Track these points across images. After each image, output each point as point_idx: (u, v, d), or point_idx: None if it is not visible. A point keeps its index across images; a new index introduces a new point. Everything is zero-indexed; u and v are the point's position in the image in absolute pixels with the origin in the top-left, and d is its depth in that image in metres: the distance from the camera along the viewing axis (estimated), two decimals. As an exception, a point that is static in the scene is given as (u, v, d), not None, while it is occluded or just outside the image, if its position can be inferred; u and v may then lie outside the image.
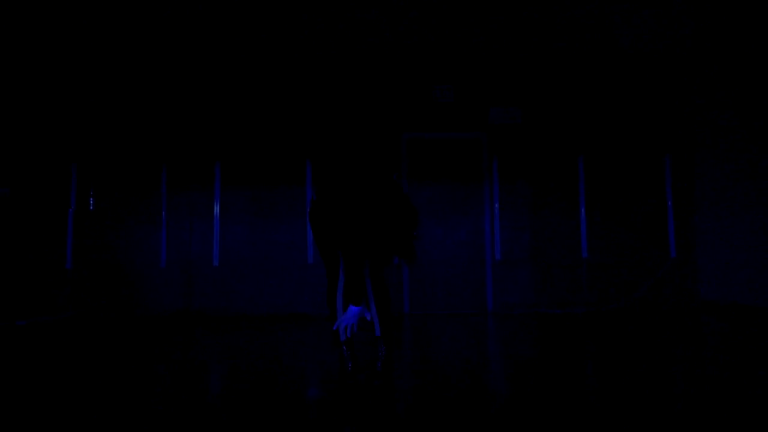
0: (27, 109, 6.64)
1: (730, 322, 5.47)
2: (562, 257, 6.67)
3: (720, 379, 2.98)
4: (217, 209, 6.53)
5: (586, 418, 2.29)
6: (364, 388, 2.88)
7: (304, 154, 6.54)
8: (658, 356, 3.81)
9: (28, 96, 6.66)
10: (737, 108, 6.67)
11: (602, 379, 3.16)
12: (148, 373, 3.40)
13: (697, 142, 6.82)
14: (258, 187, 6.71)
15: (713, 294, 6.57)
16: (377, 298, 3.18)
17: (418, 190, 6.77)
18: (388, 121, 6.76)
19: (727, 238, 6.56)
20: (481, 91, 6.85)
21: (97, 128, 6.70)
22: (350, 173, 3.20)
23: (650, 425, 2.17)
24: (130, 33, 6.06)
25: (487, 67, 6.86)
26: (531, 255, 6.70)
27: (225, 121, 6.76)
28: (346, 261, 2.92)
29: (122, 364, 3.73)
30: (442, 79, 6.85)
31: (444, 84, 6.83)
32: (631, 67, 6.88)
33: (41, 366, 3.68)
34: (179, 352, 4.35)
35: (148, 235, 6.62)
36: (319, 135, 6.68)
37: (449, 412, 2.42)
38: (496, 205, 6.65)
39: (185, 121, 6.75)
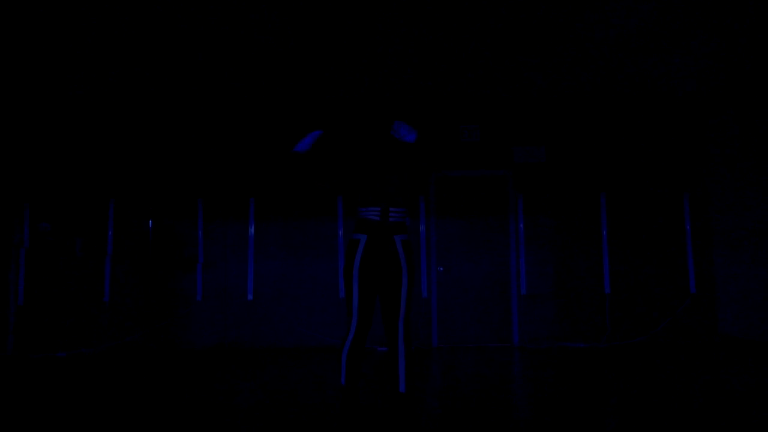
0: (62, 147, 6.84)
1: (749, 358, 5.68)
2: (585, 292, 6.88)
3: (742, 416, 3.18)
4: (251, 244, 6.73)
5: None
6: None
7: (336, 191, 6.76)
8: (680, 391, 4.00)
9: (64, 132, 6.86)
10: (752, 148, 6.93)
11: (626, 412, 3.35)
12: (183, 407, 3.57)
13: (714, 180, 7.06)
14: (290, 222, 6.91)
15: (732, 329, 6.79)
16: (407, 352, 3.22)
17: (445, 226, 6.98)
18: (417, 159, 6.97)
19: (745, 275, 6.79)
20: (507, 131, 7.10)
21: (136, 165, 6.90)
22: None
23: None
24: (166, 73, 6.28)
25: (512, 108, 7.11)
26: (555, 289, 6.90)
27: (259, 157, 6.98)
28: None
29: (158, 397, 3.90)
30: (469, 119, 7.09)
31: (471, 124, 7.08)
32: (651, 107, 7.14)
33: (78, 398, 3.85)
34: (217, 384, 4.53)
35: (186, 270, 6.80)
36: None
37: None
38: (522, 241, 6.87)
39: (220, 157, 6.96)
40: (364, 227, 3.32)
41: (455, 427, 3.28)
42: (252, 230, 6.77)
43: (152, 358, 6.18)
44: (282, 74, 6.25)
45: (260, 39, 5.33)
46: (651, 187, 7.04)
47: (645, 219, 7.00)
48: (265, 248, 6.86)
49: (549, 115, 7.13)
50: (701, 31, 5.29)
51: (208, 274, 6.77)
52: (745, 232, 6.86)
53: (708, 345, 6.69)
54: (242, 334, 6.75)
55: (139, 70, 5.97)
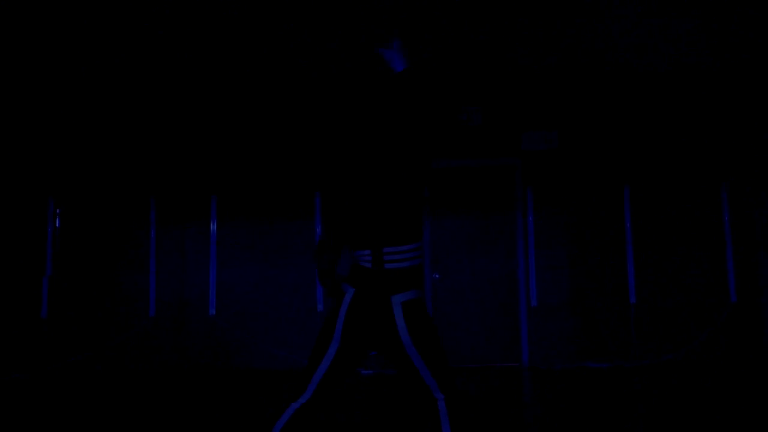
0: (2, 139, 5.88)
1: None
2: (607, 302, 5.86)
3: None
4: (213, 249, 5.74)
5: None
6: None
7: (314, 187, 5.75)
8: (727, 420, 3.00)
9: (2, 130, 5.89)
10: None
11: None
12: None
13: (760, 168, 6.01)
14: (261, 222, 5.92)
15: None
16: (450, 407, 2.28)
17: (441, 225, 5.97)
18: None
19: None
20: (514, 113, 6.07)
21: (76, 158, 5.92)
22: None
23: None
24: (118, 58, 5.30)
25: (520, 86, 6.08)
26: (571, 299, 5.89)
27: (222, 149, 5.98)
28: None
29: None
30: (469, 100, 6.06)
31: (471, 105, 6.05)
32: (682, 83, 6.09)
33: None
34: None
35: (135, 278, 5.82)
36: (333, 165, 5.88)
37: None
38: (531, 242, 5.86)
39: (175, 149, 5.96)
40: (354, 277, 2.22)
41: None
42: (214, 233, 5.77)
43: (97, 382, 5.23)
44: (247, 47, 5.29)
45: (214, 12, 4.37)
46: (683, 178, 6.00)
47: (676, 215, 5.96)
48: (231, 254, 5.87)
49: (563, 94, 6.10)
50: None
51: (162, 285, 5.77)
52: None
53: (754, 362, 5.67)
54: (203, 354, 5.77)
55: (88, 60, 5.03)
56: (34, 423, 3.91)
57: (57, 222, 5.76)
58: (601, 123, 6.09)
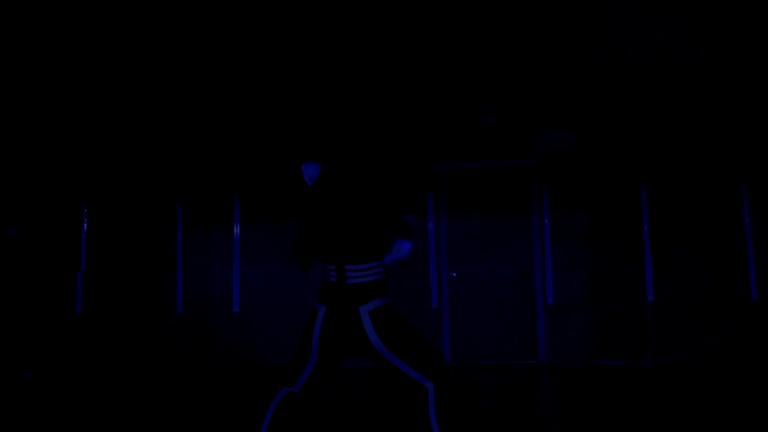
0: (37, 147, 6.22)
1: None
2: (625, 300, 5.85)
3: None
4: (236, 249, 5.97)
5: None
6: None
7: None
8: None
9: (39, 134, 6.24)
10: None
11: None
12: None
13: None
14: (282, 223, 6.11)
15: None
16: (437, 390, 2.40)
17: (458, 225, 6.07)
18: (421, 149, 6.09)
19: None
20: (528, 113, 6.14)
21: (107, 162, 6.23)
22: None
23: None
24: (137, 64, 5.59)
25: (534, 87, 6.14)
26: (588, 297, 5.90)
27: (244, 152, 6.21)
28: None
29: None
30: (483, 101, 6.16)
31: (485, 106, 6.15)
32: (699, 81, 6.07)
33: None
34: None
35: (163, 277, 6.08)
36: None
37: None
38: (547, 241, 5.91)
39: (200, 155, 6.22)
40: (323, 293, 2.40)
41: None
42: (237, 233, 6.00)
43: (127, 377, 5.47)
44: (266, 62, 5.51)
45: (240, 22, 4.60)
46: (702, 177, 5.96)
47: (696, 214, 5.91)
48: (254, 253, 6.07)
49: (578, 94, 6.14)
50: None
51: (189, 284, 6.02)
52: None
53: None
54: (227, 350, 5.98)
55: (116, 67, 5.33)
56: (70, 415, 4.15)
57: (85, 224, 6.06)
58: (617, 122, 6.10)
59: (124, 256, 6.13)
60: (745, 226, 5.78)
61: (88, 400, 4.57)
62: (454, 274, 6.04)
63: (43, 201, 6.16)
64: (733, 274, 5.81)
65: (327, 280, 2.38)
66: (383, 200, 2.49)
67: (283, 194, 6.13)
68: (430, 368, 2.31)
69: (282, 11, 4.66)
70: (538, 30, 5.16)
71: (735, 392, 4.42)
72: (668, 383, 4.88)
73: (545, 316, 5.89)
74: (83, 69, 5.63)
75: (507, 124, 6.13)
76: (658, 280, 5.79)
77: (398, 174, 5.98)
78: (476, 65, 5.85)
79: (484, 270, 6.03)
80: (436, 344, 5.86)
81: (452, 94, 6.18)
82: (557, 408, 4.21)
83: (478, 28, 5.07)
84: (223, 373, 5.66)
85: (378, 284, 2.37)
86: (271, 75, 5.93)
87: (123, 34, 4.96)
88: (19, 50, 5.15)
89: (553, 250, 5.92)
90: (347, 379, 4.91)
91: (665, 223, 5.91)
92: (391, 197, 2.53)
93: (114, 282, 6.08)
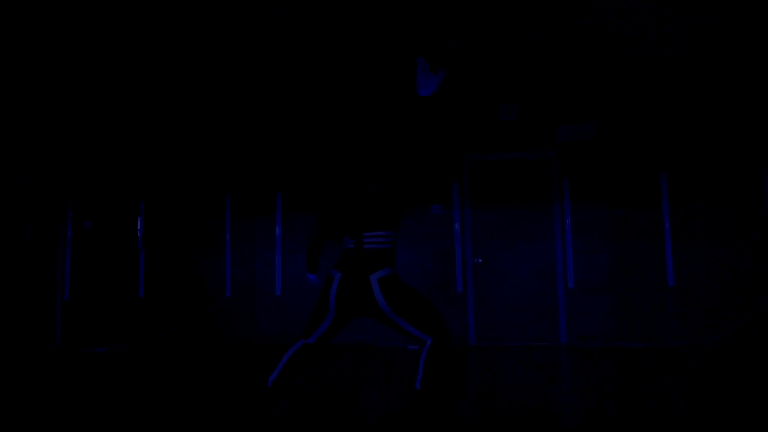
0: (103, 151, 7.01)
1: None
2: (645, 285, 6.06)
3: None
4: (278, 238, 6.55)
5: None
6: None
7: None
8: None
9: (105, 141, 7.03)
10: None
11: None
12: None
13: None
14: (317, 214, 6.64)
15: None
16: (431, 348, 2.75)
17: (482, 215, 6.43)
18: (447, 143, 6.49)
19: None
20: (549, 107, 6.43)
21: (163, 164, 6.95)
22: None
23: None
24: (192, 80, 6.25)
25: (554, 81, 6.43)
26: (609, 282, 6.14)
27: (285, 151, 6.79)
28: None
29: (188, 392, 3.73)
30: (506, 97, 6.49)
31: (507, 102, 6.48)
32: (717, 72, 6.18)
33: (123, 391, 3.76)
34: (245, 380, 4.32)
35: (213, 264, 6.74)
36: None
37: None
38: (568, 229, 6.19)
39: (247, 153, 6.85)
40: (340, 260, 2.77)
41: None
42: (279, 224, 6.59)
43: (183, 353, 6.15)
44: (301, 65, 6.02)
45: (275, 25, 5.12)
46: (722, 164, 6.08)
47: (716, 199, 6.04)
48: (294, 242, 6.65)
49: (597, 86, 6.38)
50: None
51: (236, 270, 6.66)
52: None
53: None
54: (271, 330, 6.58)
55: (167, 69, 5.98)
56: (134, 387, 4.79)
57: (142, 217, 6.80)
58: (636, 112, 6.29)
59: (180, 245, 6.83)
60: (766, 210, 5.87)
61: (154, 372, 5.20)
62: (479, 261, 6.40)
63: (111, 198, 6.94)
64: (754, 260, 5.90)
65: (345, 248, 2.77)
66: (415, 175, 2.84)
67: (319, 189, 6.68)
68: (430, 327, 2.71)
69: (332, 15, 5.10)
70: (557, 27, 5.38)
71: (746, 376, 4.56)
72: (681, 364, 5.04)
73: (566, 300, 6.17)
74: (142, 81, 6.36)
75: (528, 118, 6.44)
76: (679, 265, 5.97)
77: (427, 166, 6.39)
78: (499, 63, 6.13)
79: (507, 256, 6.37)
80: (461, 326, 6.26)
81: (476, 91, 6.54)
82: (568, 376, 4.53)
83: (500, 29, 5.37)
84: (267, 351, 6.25)
85: (389, 253, 2.73)
86: (312, 81, 6.45)
87: (184, 42, 5.61)
88: (84, 65, 5.91)
89: (574, 238, 6.19)
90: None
91: (685, 210, 6.06)
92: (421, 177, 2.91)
93: (171, 269, 6.79)
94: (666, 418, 3.02)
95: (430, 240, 6.37)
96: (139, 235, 6.70)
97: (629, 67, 6.26)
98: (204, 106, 6.97)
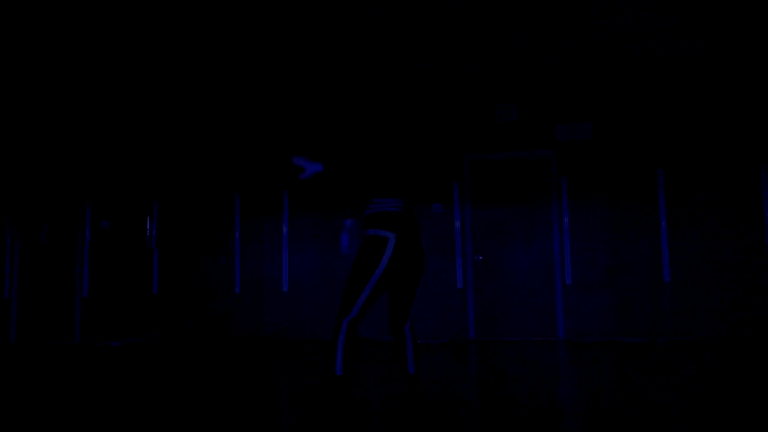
0: (117, 154, 7.33)
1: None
2: (642, 281, 6.16)
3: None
4: (285, 236, 6.79)
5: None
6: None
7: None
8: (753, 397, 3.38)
9: (118, 145, 7.35)
10: None
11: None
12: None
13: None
14: (324, 214, 6.88)
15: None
16: (414, 335, 3.05)
17: (482, 213, 6.59)
18: (448, 143, 6.67)
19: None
20: (547, 108, 6.57)
21: (174, 166, 7.23)
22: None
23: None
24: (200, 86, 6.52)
25: (553, 82, 6.57)
26: (606, 279, 6.25)
27: (291, 152, 7.02)
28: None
29: (196, 386, 3.97)
30: (506, 98, 6.65)
31: (507, 102, 6.63)
32: (712, 69, 6.26)
33: (132, 384, 4.02)
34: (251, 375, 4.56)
35: (223, 261, 7.01)
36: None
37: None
38: (566, 226, 6.32)
39: (255, 154, 7.10)
40: (391, 223, 2.94)
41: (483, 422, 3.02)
42: (286, 223, 6.83)
43: (194, 348, 6.42)
44: (311, 71, 6.25)
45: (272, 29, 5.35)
46: (717, 161, 6.16)
47: (712, 197, 6.13)
48: (300, 240, 6.88)
49: (595, 87, 6.50)
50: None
51: (245, 267, 6.92)
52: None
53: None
54: (279, 325, 6.81)
55: (178, 73, 6.26)
56: (147, 379, 5.06)
57: (156, 216, 7.10)
58: (633, 113, 6.40)
59: (191, 243, 7.11)
60: (763, 209, 5.94)
61: (166, 365, 5.48)
62: (480, 258, 6.56)
63: (126, 199, 7.25)
64: (751, 254, 5.97)
65: (391, 212, 2.96)
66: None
67: (324, 189, 6.89)
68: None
69: (325, 20, 5.32)
70: (554, 29, 5.49)
71: (741, 372, 4.65)
72: (677, 359, 5.13)
73: (564, 296, 6.30)
74: (155, 85, 6.65)
75: (528, 118, 6.58)
76: (675, 261, 6.06)
77: (429, 165, 6.58)
78: (499, 65, 6.28)
79: (506, 254, 6.52)
80: (462, 321, 6.43)
81: (477, 92, 6.70)
82: (564, 370, 4.68)
83: (499, 33, 5.53)
84: (274, 345, 6.49)
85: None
86: (314, 83, 6.69)
87: (192, 46, 5.88)
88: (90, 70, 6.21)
89: (572, 235, 6.32)
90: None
91: (681, 208, 6.16)
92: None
93: (183, 266, 7.08)
94: (661, 410, 3.16)
95: (432, 237, 6.53)
96: (152, 234, 6.99)
97: (626, 67, 6.38)
98: (214, 110, 7.25)
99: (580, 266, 6.29)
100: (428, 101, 6.79)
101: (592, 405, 3.28)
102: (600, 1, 5.03)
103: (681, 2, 5.09)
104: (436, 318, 6.37)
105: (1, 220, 7.35)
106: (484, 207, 6.60)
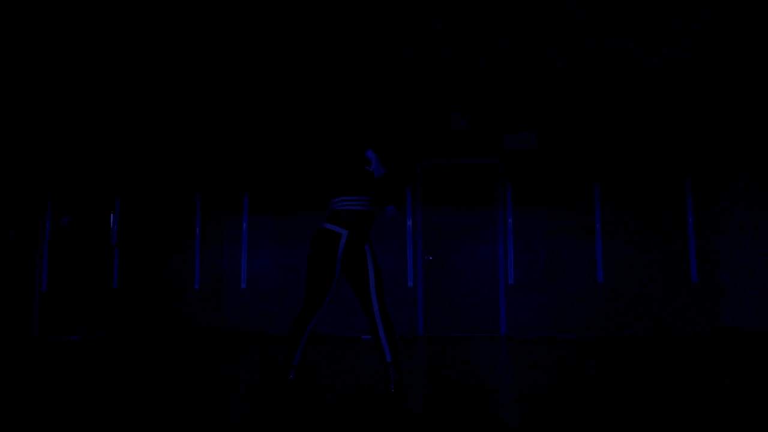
0: (78, 151, 7.44)
1: (756, 350, 5.29)
2: (578, 282, 6.66)
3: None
4: (244, 236, 7.04)
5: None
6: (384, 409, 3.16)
7: (323, 183, 6.93)
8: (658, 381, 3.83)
9: (80, 142, 7.46)
10: (760, 127, 6.44)
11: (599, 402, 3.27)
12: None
13: (721, 165, 6.62)
14: (284, 214, 7.16)
15: (738, 321, 6.34)
16: (386, 324, 3.23)
17: (432, 216, 6.98)
18: (401, 149, 7.03)
19: (752, 263, 6.32)
20: (496, 118, 6.99)
21: (137, 164, 7.40)
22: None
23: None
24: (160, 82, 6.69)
25: (502, 94, 6.99)
26: (545, 279, 6.73)
27: (252, 153, 7.28)
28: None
29: (157, 378, 4.20)
30: (457, 107, 7.04)
31: (459, 111, 7.03)
32: (648, 89, 6.80)
33: (88, 378, 4.21)
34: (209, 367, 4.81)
35: (183, 258, 7.22)
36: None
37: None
38: (510, 230, 6.76)
39: (217, 155, 7.32)
40: (347, 220, 3.24)
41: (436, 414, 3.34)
42: (245, 222, 7.08)
43: (154, 341, 6.62)
44: (268, 71, 6.48)
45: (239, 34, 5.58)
46: (649, 173, 6.70)
47: (643, 206, 6.67)
48: (259, 240, 7.15)
49: (541, 100, 6.96)
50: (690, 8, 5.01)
51: (205, 264, 7.14)
52: (755, 217, 6.40)
53: (710, 338, 6.28)
54: (236, 320, 7.07)
55: (139, 70, 6.41)
56: (109, 372, 5.25)
57: (118, 214, 7.25)
58: (576, 125, 6.89)
59: (152, 240, 7.30)
60: (687, 216, 6.50)
61: (123, 359, 5.68)
62: (430, 258, 6.95)
63: (88, 195, 7.37)
64: (675, 259, 6.53)
65: (352, 209, 3.26)
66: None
67: (284, 190, 7.18)
68: (382, 299, 3.28)
69: (279, 22, 5.60)
70: (503, 45, 5.87)
71: (662, 366, 5.15)
72: (605, 353, 5.62)
73: (506, 295, 6.75)
74: (119, 84, 6.79)
75: (478, 127, 7.00)
76: (608, 265, 6.58)
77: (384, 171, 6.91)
78: (452, 76, 6.65)
79: (455, 254, 6.94)
80: (411, 317, 6.81)
81: (430, 101, 7.08)
82: (504, 362, 5.09)
83: (452, 46, 5.88)
84: (232, 338, 6.75)
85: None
86: (272, 84, 6.93)
87: (156, 47, 6.05)
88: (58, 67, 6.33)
89: (515, 238, 6.77)
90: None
91: (616, 214, 6.67)
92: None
93: (144, 263, 7.26)
94: (585, 396, 3.58)
95: (385, 238, 6.91)
96: (114, 231, 7.15)
97: (568, 82, 6.83)
98: (178, 111, 7.43)
99: (522, 267, 6.75)
100: (386, 109, 7.13)
101: (525, 392, 3.68)
102: (548, 21, 5.43)
103: (616, 21, 5.53)
104: (387, 314, 6.73)
105: (-41, 215, 7.38)
106: (435, 210, 6.99)
